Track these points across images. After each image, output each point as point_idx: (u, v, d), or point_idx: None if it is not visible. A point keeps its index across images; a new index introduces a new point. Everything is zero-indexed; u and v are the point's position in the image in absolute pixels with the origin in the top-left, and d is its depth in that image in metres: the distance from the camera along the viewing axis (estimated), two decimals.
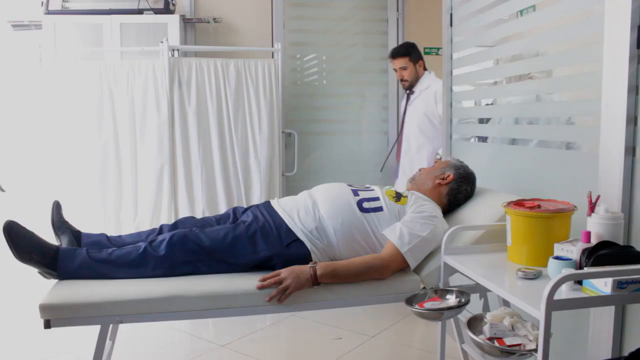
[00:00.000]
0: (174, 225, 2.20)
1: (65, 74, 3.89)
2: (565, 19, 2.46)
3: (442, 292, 1.93)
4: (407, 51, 3.77)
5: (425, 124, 3.75)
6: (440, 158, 3.34)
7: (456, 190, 2.31)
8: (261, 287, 1.89)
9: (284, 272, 1.90)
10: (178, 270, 2.00)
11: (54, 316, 1.78)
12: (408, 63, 3.75)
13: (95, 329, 1.84)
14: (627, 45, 1.82)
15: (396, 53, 3.78)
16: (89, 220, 3.68)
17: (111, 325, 1.91)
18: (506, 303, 1.93)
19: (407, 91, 3.87)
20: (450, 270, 1.98)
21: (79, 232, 2.16)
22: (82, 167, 3.92)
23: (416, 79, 3.81)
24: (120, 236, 2.22)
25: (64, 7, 4.14)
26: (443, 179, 2.32)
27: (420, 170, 2.45)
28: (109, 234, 2.22)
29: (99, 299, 1.83)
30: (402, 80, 3.82)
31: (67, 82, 3.89)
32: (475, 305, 2.15)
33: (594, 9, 2.13)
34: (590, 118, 2.26)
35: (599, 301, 1.48)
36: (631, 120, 1.85)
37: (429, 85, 3.77)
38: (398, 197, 2.21)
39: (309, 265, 1.93)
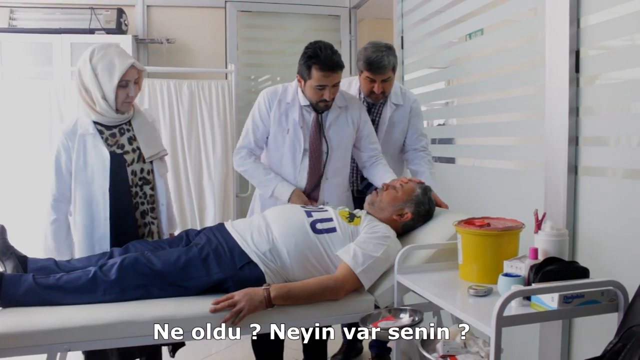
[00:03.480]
0: (125, 249, 2.15)
1: (12, 93, 3.79)
2: (511, 43, 2.56)
3: (395, 311, 1.94)
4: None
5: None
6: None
7: (411, 226, 2.29)
8: (214, 310, 1.86)
9: (237, 295, 1.88)
10: (129, 295, 1.95)
11: None
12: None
13: (42, 358, 1.78)
14: (566, 69, 1.90)
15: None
16: (36, 245, 3.56)
17: (59, 354, 1.85)
18: (459, 320, 1.96)
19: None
20: (404, 289, 2.00)
21: (25, 257, 2.09)
22: (29, 189, 3.80)
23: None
24: (69, 261, 2.16)
25: (11, 25, 4.05)
26: (401, 215, 2.26)
27: (384, 188, 2.34)
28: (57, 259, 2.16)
29: (45, 326, 1.76)
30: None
31: (15, 101, 3.78)
32: (428, 323, 2.17)
33: (537, 34, 2.22)
34: (535, 138, 2.33)
35: (547, 316, 1.52)
36: (573, 140, 1.93)
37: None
38: (351, 217, 2.22)
39: (263, 287, 1.92)
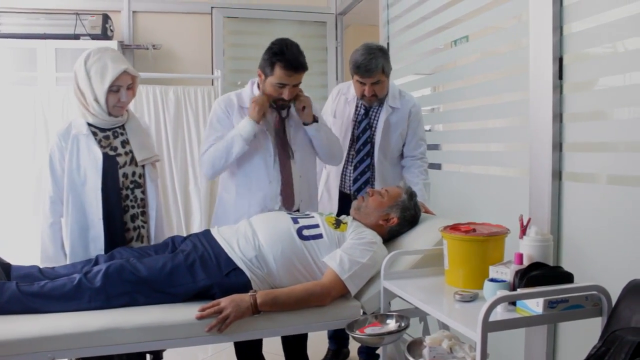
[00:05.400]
0: (111, 256, 2.14)
1: None
2: (496, 50, 2.58)
3: (382, 317, 1.95)
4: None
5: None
6: None
7: (397, 231, 2.30)
8: (200, 317, 1.85)
9: (223, 301, 1.88)
10: (115, 302, 1.93)
11: None
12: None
13: None
14: (550, 76, 1.92)
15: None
16: (20, 252, 3.52)
17: None
18: (445, 326, 1.97)
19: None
20: (390, 295, 2.00)
21: (8, 264, 2.07)
22: (13, 196, 3.77)
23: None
24: (53, 268, 2.14)
25: None
26: (387, 220, 2.27)
27: (369, 194, 2.33)
28: (41, 266, 2.14)
29: (29, 334, 1.74)
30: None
31: None
32: (415, 328, 2.18)
33: (521, 41, 2.24)
34: (520, 144, 2.35)
35: (532, 321, 1.53)
36: (557, 146, 1.94)
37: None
38: (337, 223, 2.22)
39: (249, 294, 1.91)
